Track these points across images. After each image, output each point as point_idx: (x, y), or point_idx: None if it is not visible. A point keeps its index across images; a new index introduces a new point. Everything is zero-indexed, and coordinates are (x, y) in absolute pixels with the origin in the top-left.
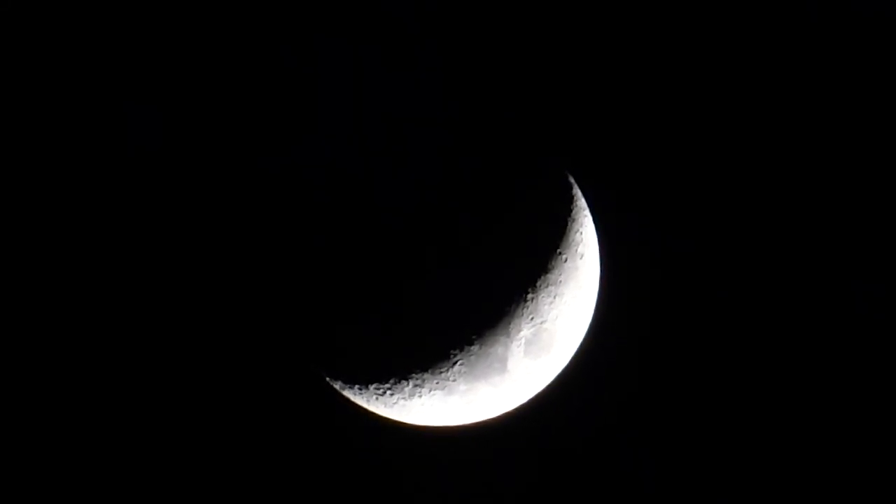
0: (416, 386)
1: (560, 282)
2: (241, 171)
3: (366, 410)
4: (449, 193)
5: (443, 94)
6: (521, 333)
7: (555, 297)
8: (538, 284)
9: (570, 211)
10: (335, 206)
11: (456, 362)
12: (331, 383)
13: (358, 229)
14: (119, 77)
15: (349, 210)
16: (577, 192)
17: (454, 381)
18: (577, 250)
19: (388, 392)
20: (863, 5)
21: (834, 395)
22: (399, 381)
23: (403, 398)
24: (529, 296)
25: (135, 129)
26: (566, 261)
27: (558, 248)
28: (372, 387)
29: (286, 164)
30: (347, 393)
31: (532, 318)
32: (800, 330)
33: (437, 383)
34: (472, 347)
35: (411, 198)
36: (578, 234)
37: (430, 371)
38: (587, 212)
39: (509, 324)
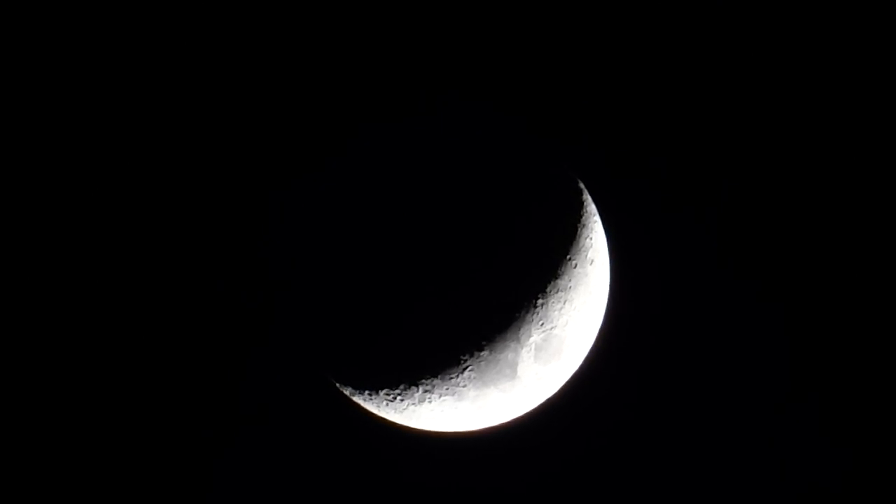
0: (425, 391)
1: (570, 287)
2: (258, 177)
3: (375, 416)
4: (454, 198)
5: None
6: (531, 339)
7: (564, 303)
8: (548, 290)
9: (580, 217)
10: (342, 214)
11: (466, 368)
12: (340, 389)
13: (360, 233)
14: (119, 77)
15: (355, 217)
16: (588, 198)
17: (464, 386)
18: (586, 256)
19: (398, 398)
20: (863, 5)
21: (836, 397)
22: (409, 387)
23: (413, 404)
24: (539, 301)
25: (138, 132)
26: (576, 266)
27: (568, 253)
28: (382, 392)
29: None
30: (357, 399)
31: (542, 324)
32: (803, 331)
33: (447, 389)
34: (482, 353)
35: (415, 202)
36: (588, 239)
37: (439, 377)
38: (597, 217)
39: (519, 329)
